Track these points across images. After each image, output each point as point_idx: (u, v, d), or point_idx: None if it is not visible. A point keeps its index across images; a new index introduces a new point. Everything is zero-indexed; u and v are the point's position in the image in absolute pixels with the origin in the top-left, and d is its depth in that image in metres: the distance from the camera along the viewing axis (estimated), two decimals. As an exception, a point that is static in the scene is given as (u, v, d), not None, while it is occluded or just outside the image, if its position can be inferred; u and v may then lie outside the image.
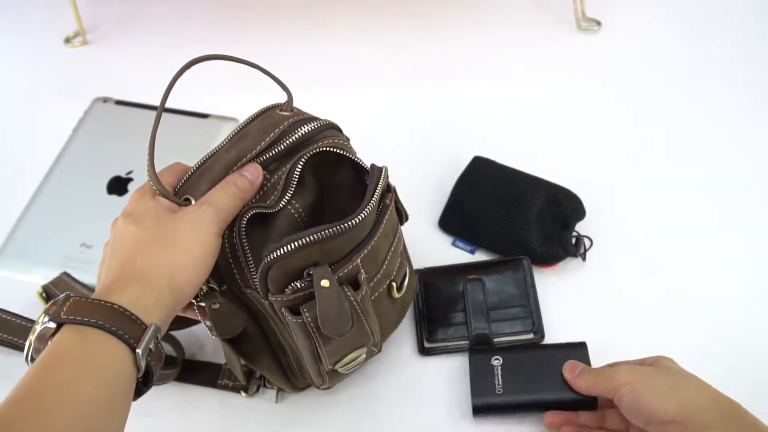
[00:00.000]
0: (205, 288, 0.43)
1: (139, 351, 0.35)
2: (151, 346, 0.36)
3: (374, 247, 0.45)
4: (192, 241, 0.39)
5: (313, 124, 0.45)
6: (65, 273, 0.62)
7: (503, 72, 0.79)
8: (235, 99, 0.78)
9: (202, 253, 0.40)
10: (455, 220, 0.65)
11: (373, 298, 0.48)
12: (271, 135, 0.44)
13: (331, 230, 0.41)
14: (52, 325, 0.35)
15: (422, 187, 0.68)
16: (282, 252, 0.40)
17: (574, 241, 0.62)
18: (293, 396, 0.55)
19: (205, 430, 0.55)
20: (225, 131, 0.74)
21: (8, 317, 0.58)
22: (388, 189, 0.47)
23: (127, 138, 0.74)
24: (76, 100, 0.78)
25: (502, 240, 0.61)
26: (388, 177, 0.46)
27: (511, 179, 0.64)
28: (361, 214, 0.42)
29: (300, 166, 0.43)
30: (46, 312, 0.35)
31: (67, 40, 0.86)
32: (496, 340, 0.57)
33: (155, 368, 0.37)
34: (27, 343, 0.35)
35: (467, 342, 0.57)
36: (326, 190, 0.47)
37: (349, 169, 0.47)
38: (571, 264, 0.62)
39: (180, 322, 0.52)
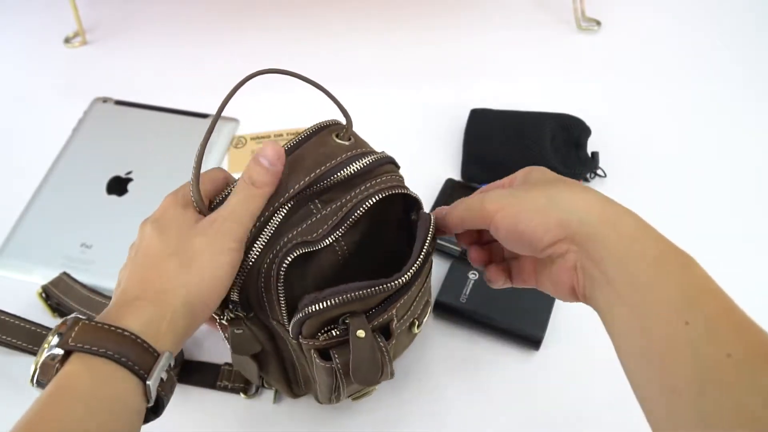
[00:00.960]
0: (231, 315, 0.42)
1: (149, 383, 0.34)
2: (163, 375, 0.35)
3: (410, 296, 0.44)
4: (210, 259, 0.37)
5: (371, 158, 0.42)
6: (65, 273, 0.62)
7: (503, 72, 0.79)
8: (235, 99, 0.77)
9: (221, 271, 0.38)
10: (477, 169, 0.68)
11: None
12: (326, 166, 0.41)
13: (373, 289, 0.40)
14: (60, 351, 0.34)
15: (423, 188, 0.67)
16: (321, 307, 0.39)
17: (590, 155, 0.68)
18: (290, 398, 0.55)
19: (203, 431, 0.55)
20: (225, 131, 0.74)
21: (5, 318, 0.58)
22: (433, 237, 0.44)
23: (127, 138, 0.74)
24: (76, 100, 0.78)
25: None
26: (434, 225, 0.44)
27: (515, 119, 0.69)
28: (407, 274, 0.41)
29: (363, 210, 0.41)
30: (54, 333, 0.34)
31: (67, 40, 0.86)
32: None
33: (166, 397, 0.36)
34: (33, 365, 0.35)
35: (459, 250, 0.61)
36: (374, 224, 0.45)
37: (399, 203, 0.46)
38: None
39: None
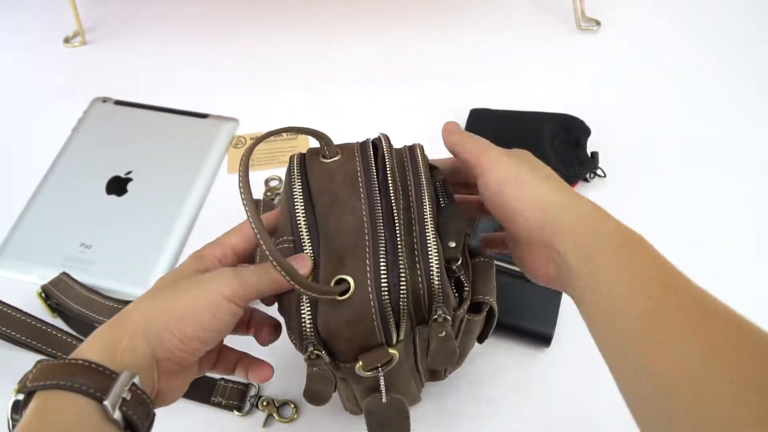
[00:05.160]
0: (314, 353, 0.38)
1: (106, 402, 0.32)
2: (125, 395, 0.32)
3: None
4: (192, 293, 0.37)
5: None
6: (65, 273, 0.62)
7: (503, 72, 0.79)
8: (234, 99, 0.78)
9: (195, 304, 0.36)
10: None
11: None
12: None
13: None
14: (20, 396, 0.33)
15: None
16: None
17: (590, 155, 0.68)
18: (280, 423, 0.54)
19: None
20: (224, 131, 0.74)
21: (9, 311, 0.58)
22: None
23: (127, 138, 0.74)
24: (75, 100, 0.78)
25: None
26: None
27: (515, 119, 0.69)
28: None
29: None
30: (19, 382, 0.34)
31: (67, 40, 0.86)
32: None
33: (138, 417, 0.33)
34: (6, 418, 0.34)
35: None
36: None
37: None
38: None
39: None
